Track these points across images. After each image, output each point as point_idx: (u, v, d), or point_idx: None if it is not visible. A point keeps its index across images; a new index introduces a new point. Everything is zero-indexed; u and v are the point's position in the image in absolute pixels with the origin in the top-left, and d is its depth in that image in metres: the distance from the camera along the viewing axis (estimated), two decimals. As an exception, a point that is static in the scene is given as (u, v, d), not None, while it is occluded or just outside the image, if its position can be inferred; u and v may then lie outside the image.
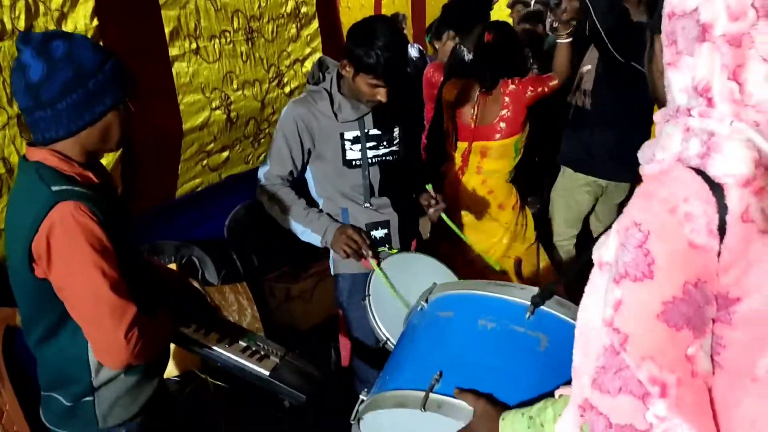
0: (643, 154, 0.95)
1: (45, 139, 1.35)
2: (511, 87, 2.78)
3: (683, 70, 0.89)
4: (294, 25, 3.09)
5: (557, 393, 1.05)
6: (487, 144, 2.84)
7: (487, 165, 2.89)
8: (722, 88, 0.85)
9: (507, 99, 2.78)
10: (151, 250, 2.49)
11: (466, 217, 2.96)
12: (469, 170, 2.93)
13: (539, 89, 2.76)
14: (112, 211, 1.40)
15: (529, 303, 1.32)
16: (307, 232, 2.10)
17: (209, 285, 2.51)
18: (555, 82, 2.76)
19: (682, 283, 0.82)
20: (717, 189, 0.83)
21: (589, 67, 3.04)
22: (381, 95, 1.97)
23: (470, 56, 3.02)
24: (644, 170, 0.93)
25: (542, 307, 1.32)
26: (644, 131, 2.92)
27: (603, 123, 2.99)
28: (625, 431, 0.84)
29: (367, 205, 2.20)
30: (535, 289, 1.35)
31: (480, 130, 2.84)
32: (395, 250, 2.17)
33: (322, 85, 2.11)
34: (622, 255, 0.86)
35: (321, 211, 2.16)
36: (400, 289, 1.97)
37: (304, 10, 3.14)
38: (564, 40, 2.72)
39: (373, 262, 2.03)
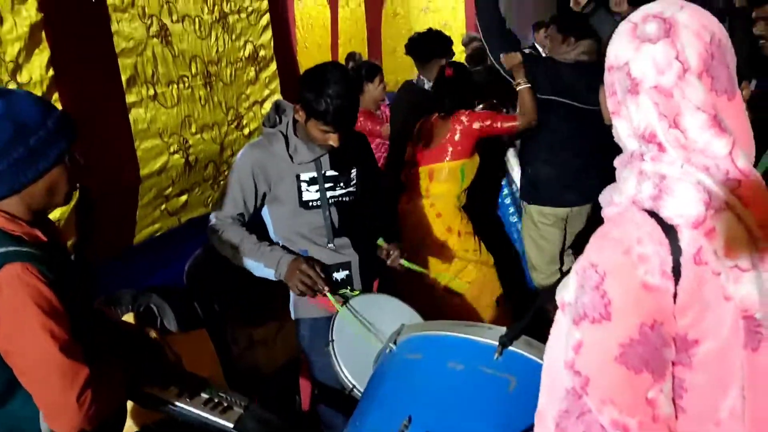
0: (603, 198, 0.98)
1: None
2: (462, 118, 2.94)
3: (626, 118, 0.94)
4: (252, 68, 3.12)
5: None
6: (433, 166, 2.99)
7: (434, 188, 3.00)
8: (667, 135, 0.88)
9: (457, 127, 2.94)
10: (107, 300, 2.43)
11: (421, 240, 2.99)
12: (417, 194, 3.03)
13: (490, 124, 2.90)
14: (62, 270, 1.36)
15: (498, 343, 1.32)
16: (260, 266, 2.06)
17: (168, 333, 2.45)
18: (514, 123, 2.90)
19: (638, 324, 0.83)
20: (670, 231, 0.85)
21: None
22: (332, 140, 1.99)
23: (430, 85, 3.33)
24: (604, 212, 0.96)
25: (511, 347, 1.32)
26: (579, 157, 3.01)
27: (539, 155, 3.10)
28: None
29: (330, 245, 2.20)
30: (503, 329, 1.35)
31: (428, 154, 3.00)
32: (357, 292, 2.16)
33: (278, 128, 2.13)
34: (580, 296, 0.87)
35: (274, 243, 2.15)
36: (365, 332, 1.95)
37: (262, 53, 3.18)
38: (522, 86, 2.87)
39: (333, 300, 2.00)
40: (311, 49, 4.61)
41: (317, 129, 1.99)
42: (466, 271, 3.05)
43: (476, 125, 2.91)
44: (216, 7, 2.74)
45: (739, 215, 0.86)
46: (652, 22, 0.91)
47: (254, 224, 2.18)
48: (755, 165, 1.42)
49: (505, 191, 3.64)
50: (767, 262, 0.87)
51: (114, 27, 2.23)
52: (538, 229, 3.20)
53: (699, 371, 0.87)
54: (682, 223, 0.85)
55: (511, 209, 3.62)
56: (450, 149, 2.96)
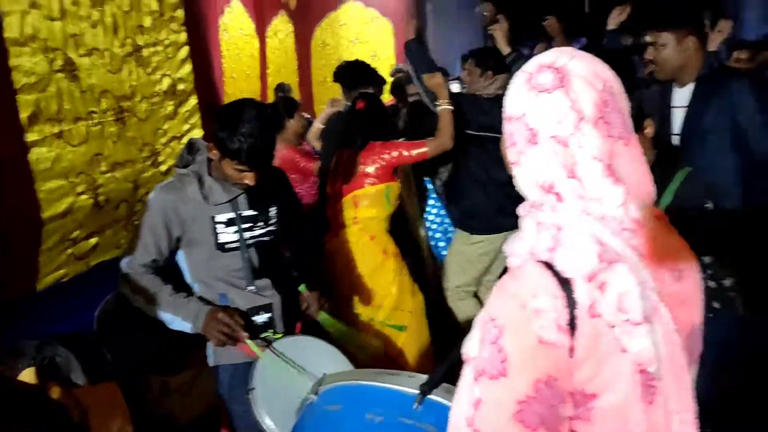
0: (507, 247, 0.96)
1: None
2: (373, 150, 2.91)
3: (526, 168, 0.93)
4: (171, 103, 3.02)
5: None
6: (356, 193, 2.93)
7: (362, 213, 2.95)
8: (565, 186, 0.88)
9: (368, 159, 2.89)
10: (7, 352, 2.24)
11: (355, 272, 2.92)
12: (347, 224, 2.97)
13: (399, 154, 2.86)
14: None
15: (418, 392, 1.29)
16: (177, 320, 1.97)
17: (75, 387, 2.29)
18: (423, 149, 2.84)
19: (533, 381, 0.82)
20: (566, 283, 0.84)
21: None
22: (248, 179, 1.95)
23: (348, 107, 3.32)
24: (508, 263, 0.94)
25: (431, 395, 1.30)
26: (511, 184, 3.06)
27: (473, 186, 3.16)
28: None
29: (251, 288, 2.12)
30: (425, 377, 1.33)
31: (348, 185, 2.95)
32: (280, 335, 2.09)
33: (191, 168, 2.06)
34: (481, 350, 0.85)
35: (190, 295, 2.06)
36: (288, 377, 1.88)
37: (181, 87, 3.08)
38: (444, 107, 2.83)
39: (253, 346, 1.92)
40: (239, 80, 4.53)
41: (232, 168, 1.93)
42: (405, 300, 2.97)
43: (386, 156, 2.88)
44: (128, 40, 2.64)
45: (633, 267, 0.85)
46: (546, 72, 0.91)
47: (168, 268, 2.08)
48: (659, 198, 1.45)
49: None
50: (661, 315, 0.87)
51: (13, 62, 2.10)
52: (468, 253, 3.21)
53: (597, 425, 0.86)
54: (576, 275, 0.84)
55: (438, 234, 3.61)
56: (368, 179, 2.93)
